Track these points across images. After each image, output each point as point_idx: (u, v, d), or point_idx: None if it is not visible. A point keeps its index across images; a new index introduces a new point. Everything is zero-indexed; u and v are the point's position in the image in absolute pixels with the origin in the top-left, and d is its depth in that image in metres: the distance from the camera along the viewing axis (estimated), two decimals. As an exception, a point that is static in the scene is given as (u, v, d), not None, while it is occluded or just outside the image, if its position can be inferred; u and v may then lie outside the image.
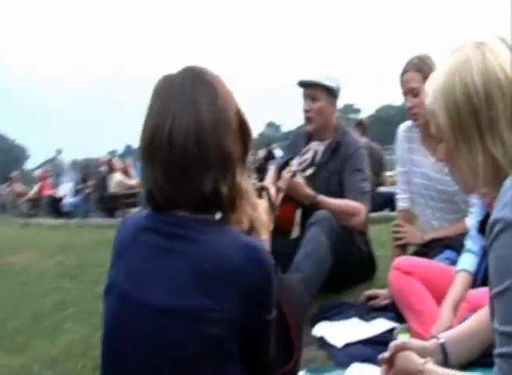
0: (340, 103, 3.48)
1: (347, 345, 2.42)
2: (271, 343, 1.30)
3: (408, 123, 2.97)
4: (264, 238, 1.45)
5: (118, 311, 1.24)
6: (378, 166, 7.14)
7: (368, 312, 2.79)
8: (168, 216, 1.25)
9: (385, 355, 1.46)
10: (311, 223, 2.93)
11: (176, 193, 1.23)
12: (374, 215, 5.87)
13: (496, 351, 1.14)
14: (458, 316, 1.96)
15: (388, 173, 7.88)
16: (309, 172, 3.12)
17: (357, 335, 2.47)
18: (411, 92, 2.74)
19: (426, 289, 2.27)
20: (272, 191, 1.62)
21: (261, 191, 1.58)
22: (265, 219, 1.52)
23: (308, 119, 3.30)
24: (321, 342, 2.51)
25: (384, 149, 8.81)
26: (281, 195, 3.14)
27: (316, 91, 3.26)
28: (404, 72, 2.77)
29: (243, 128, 1.30)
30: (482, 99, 1.17)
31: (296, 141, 3.48)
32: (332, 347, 2.44)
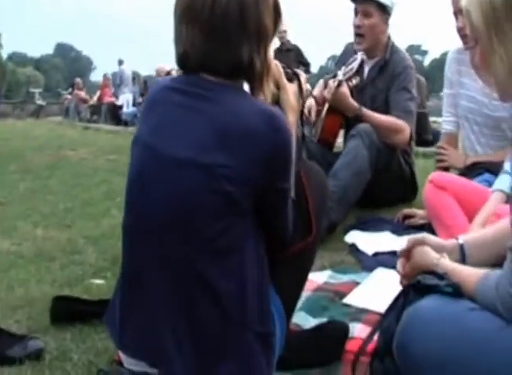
0: (405, 43, 3.36)
1: (377, 254, 2.48)
2: (288, 217, 1.35)
3: (460, 44, 2.88)
4: (290, 120, 1.48)
5: (140, 161, 1.31)
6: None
7: (404, 229, 2.80)
8: (197, 78, 1.29)
9: (404, 247, 1.50)
10: (351, 135, 2.95)
11: (213, 56, 1.27)
12: (426, 149, 5.77)
13: (509, 244, 1.18)
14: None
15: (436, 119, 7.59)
16: (355, 81, 3.06)
17: (389, 246, 2.50)
18: (461, 11, 2.64)
19: (459, 206, 2.29)
20: (303, 77, 1.63)
21: (292, 75, 1.59)
22: (293, 101, 1.54)
23: (359, 36, 3.22)
24: (353, 248, 2.58)
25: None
26: (326, 105, 3.17)
27: (368, 7, 3.16)
28: None
29: (276, 8, 1.33)
30: None
31: (345, 57, 3.40)
32: (362, 253, 2.51)
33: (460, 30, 2.68)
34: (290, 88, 1.55)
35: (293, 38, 9.51)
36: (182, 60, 1.31)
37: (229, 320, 1.23)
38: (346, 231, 2.80)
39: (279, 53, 9.09)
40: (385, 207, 3.19)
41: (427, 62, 73.05)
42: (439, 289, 1.27)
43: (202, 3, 1.25)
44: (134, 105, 13.18)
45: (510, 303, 1.13)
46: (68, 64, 79.95)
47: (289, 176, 1.31)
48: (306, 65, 9.41)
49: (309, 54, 10.07)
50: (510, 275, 1.15)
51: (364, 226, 2.86)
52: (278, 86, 1.53)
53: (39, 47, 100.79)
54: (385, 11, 3.18)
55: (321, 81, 3.55)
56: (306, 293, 1.97)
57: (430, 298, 1.27)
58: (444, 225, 2.29)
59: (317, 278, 2.18)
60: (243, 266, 1.25)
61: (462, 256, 1.49)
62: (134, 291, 1.31)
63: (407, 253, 1.49)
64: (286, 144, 1.26)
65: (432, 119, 7.24)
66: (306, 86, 1.64)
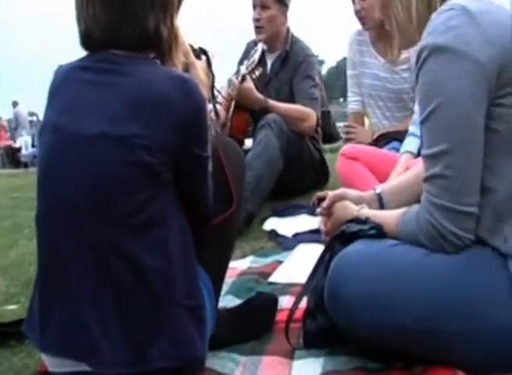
0: None
1: (297, 234, 2.46)
2: (208, 187, 1.30)
3: (359, 27, 2.97)
4: None
5: (49, 145, 1.22)
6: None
7: (320, 211, 2.81)
8: (104, 54, 1.23)
9: (324, 204, 1.49)
10: (261, 126, 2.92)
11: (117, 29, 1.21)
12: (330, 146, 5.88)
13: (423, 176, 1.18)
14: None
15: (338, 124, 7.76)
16: (258, 72, 3.05)
17: (308, 226, 2.50)
18: None
19: (371, 174, 2.32)
20: (211, 54, 1.61)
21: (199, 51, 1.57)
22: (203, 76, 1.50)
23: (258, 29, 3.24)
24: (272, 234, 2.54)
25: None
26: (233, 103, 3.14)
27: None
28: None
29: None
30: None
31: (247, 55, 3.37)
32: (282, 237, 2.48)
33: (358, 13, 2.76)
34: (199, 64, 1.52)
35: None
36: (85, 38, 1.24)
37: (156, 296, 1.16)
38: (263, 221, 2.77)
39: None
40: (299, 195, 3.19)
41: (324, 71, 75.68)
42: (364, 233, 1.27)
43: None
44: (33, 146, 12.73)
45: (431, 231, 1.14)
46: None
47: (206, 144, 1.26)
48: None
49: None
50: (427, 204, 1.15)
51: (281, 214, 2.83)
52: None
53: None
54: (282, 3, 3.21)
55: (226, 82, 3.55)
56: (231, 279, 1.93)
57: (355, 243, 1.26)
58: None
59: (239, 265, 2.13)
60: (167, 240, 1.19)
61: (380, 205, 1.51)
62: (55, 282, 1.20)
63: (328, 210, 1.48)
64: (200, 110, 1.21)
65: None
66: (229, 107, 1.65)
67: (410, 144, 2.22)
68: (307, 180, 3.21)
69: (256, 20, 3.23)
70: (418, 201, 1.28)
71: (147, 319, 1.16)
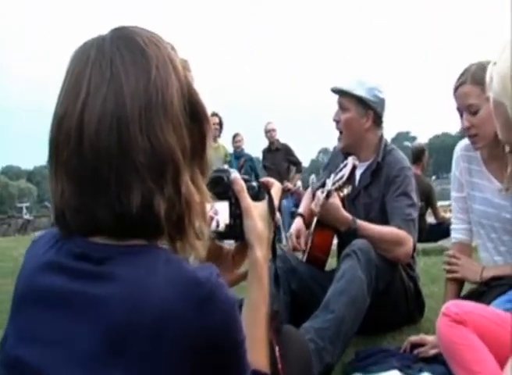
0: (393, 131, 3.01)
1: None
2: None
3: (467, 140, 2.51)
4: (258, 255, 1.09)
5: None
6: (427, 198, 6.49)
7: (413, 362, 2.31)
8: (83, 244, 0.85)
9: None
10: (346, 254, 2.48)
11: (89, 212, 0.83)
12: (425, 246, 5.37)
13: None
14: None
15: (444, 203, 7.30)
16: (347, 191, 2.59)
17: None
18: (469, 109, 2.28)
19: (484, 344, 1.82)
20: (276, 187, 1.19)
21: (258, 189, 1.17)
22: (261, 228, 1.11)
23: (340, 133, 2.87)
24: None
25: (439, 180, 8.13)
26: (314, 220, 2.77)
27: (343, 100, 2.81)
28: (460, 84, 2.28)
29: (194, 111, 0.89)
30: None
31: (334, 160, 3.02)
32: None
33: (468, 130, 2.30)
34: (256, 210, 1.12)
35: (283, 137, 9.24)
36: (57, 220, 0.86)
37: None
38: (345, 372, 2.30)
39: (267, 153, 8.85)
40: (387, 333, 2.73)
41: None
42: None
43: (67, 130, 0.83)
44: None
45: None
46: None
47: (241, 368, 0.85)
48: (296, 164, 9.10)
49: (298, 148, 9.74)
50: None
51: (365, 363, 2.35)
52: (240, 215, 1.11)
53: (32, 158, 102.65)
54: (363, 104, 2.79)
55: (309, 189, 3.19)
56: None
57: None
58: (468, 370, 1.79)
59: None
60: None
61: None
62: None
63: None
64: (224, 324, 0.81)
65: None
66: (277, 202, 1.19)
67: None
68: (398, 315, 2.73)
69: (336, 122, 2.86)
70: None
71: None
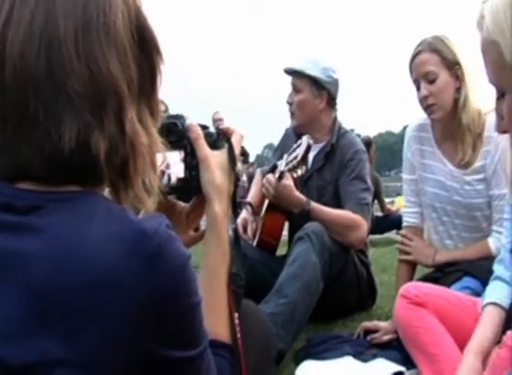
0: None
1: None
2: None
3: (420, 121, 2.44)
4: (216, 210, 0.96)
5: None
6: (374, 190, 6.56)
7: (366, 348, 2.25)
8: (7, 191, 0.70)
9: None
10: (298, 238, 2.40)
11: (14, 151, 0.69)
12: (372, 237, 5.38)
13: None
14: (490, 366, 1.44)
15: (386, 200, 7.43)
16: (301, 171, 2.48)
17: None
18: (426, 77, 2.20)
19: (444, 326, 1.76)
20: (237, 135, 1.06)
21: (217, 137, 1.04)
22: (220, 180, 0.99)
23: (291, 114, 2.78)
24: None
25: (382, 178, 8.21)
26: (265, 204, 2.67)
27: (297, 81, 2.73)
28: (417, 53, 2.22)
29: (143, 39, 0.77)
30: None
31: (285, 142, 2.92)
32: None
33: (424, 100, 2.23)
34: (214, 159, 1.00)
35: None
36: None
37: None
38: (297, 359, 2.21)
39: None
40: (340, 319, 2.67)
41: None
42: None
43: None
44: None
45: None
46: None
47: (193, 338, 0.74)
48: (244, 154, 9.01)
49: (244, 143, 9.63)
50: None
51: (318, 349, 2.27)
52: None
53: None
54: (318, 85, 2.72)
55: (257, 175, 3.07)
56: None
57: None
58: (426, 353, 1.74)
59: None
60: None
61: None
62: None
63: None
64: (175, 283, 0.69)
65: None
66: (239, 150, 1.05)
67: (497, 292, 1.67)
68: (351, 301, 2.68)
69: (288, 104, 2.79)
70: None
71: None
